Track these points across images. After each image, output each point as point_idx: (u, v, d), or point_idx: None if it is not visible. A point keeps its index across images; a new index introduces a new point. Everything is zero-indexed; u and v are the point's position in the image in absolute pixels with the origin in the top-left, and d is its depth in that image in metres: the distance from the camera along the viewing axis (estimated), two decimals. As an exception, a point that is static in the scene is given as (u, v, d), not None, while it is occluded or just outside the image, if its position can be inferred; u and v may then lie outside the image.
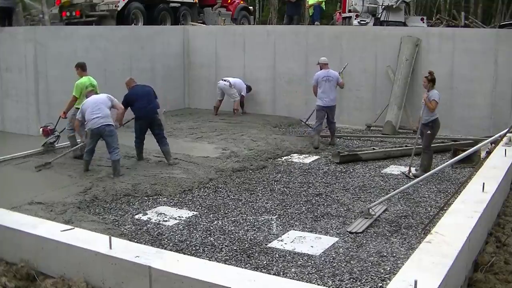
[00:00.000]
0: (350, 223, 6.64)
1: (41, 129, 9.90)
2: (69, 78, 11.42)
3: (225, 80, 13.81)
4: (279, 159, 10.00)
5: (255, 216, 6.97)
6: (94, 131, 8.36)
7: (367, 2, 19.29)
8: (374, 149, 10.33)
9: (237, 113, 13.90)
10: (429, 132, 8.67)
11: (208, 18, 18.98)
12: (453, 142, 10.52)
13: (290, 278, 4.95)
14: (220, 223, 6.72)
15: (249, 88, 14.04)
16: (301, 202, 7.51)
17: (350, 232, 6.32)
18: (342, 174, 9.01)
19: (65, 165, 8.99)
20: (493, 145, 7.64)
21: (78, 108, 8.86)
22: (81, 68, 9.53)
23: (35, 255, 4.32)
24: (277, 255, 5.70)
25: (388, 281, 4.63)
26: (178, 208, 7.29)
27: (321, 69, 11.11)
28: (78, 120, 8.68)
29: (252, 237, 6.23)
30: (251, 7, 22.31)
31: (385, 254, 5.70)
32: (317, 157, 10.14)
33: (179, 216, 6.93)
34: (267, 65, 14.10)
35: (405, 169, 9.10)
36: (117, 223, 6.70)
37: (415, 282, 3.29)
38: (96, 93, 9.04)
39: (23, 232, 4.42)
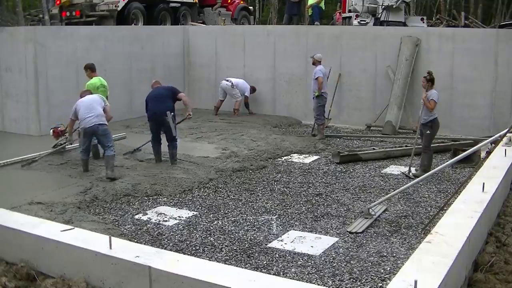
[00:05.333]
0: (350, 223, 6.64)
1: (51, 130, 9.80)
2: (69, 78, 11.49)
3: (227, 80, 13.82)
4: (279, 159, 10.00)
5: (255, 216, 6.97)
6: (87, 130, 8.32)
7: (367, 2, 19.24)
8: (374, 149, 10.33)
9: (237, 113, 13.90)
10: (428, 132, 8.67)
11: (208, 18, 18.99)
12: (453, 142, 10.52)
13: (290, 278, 4.95)
14: (220, 223, 6.72)
15: (253, 89, 14.02)
16: (301, 202, 7.51)
17: (350, 232, 6.32)
18: (342, 174, 9.01)
19: (65, 165, 8.98)
20: (493, 145, 7.63)
21: None
22: (90, 69, 9.53)
23: (35, 255, 4.31)
24: (277, 255, 5.70)
25: (388, 281, 4.63)
26: (178, 208, 7.29)
27: (316, 65, 11.38)
28: (71, 119, 8.64)
29: (252, 237, 6.23)
30: (251, 7, 22.33)
31: (385, 254, 5.70)
32: (317, 157, 10.14)
33: (179, 216, 6.93)
34: (267, 65, 14.10)
35: (405, 169, 9.10)
36: (117, 223, 6.70)
37: (415, 282, 3.29)
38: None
39: (23, 232, 4.42)
